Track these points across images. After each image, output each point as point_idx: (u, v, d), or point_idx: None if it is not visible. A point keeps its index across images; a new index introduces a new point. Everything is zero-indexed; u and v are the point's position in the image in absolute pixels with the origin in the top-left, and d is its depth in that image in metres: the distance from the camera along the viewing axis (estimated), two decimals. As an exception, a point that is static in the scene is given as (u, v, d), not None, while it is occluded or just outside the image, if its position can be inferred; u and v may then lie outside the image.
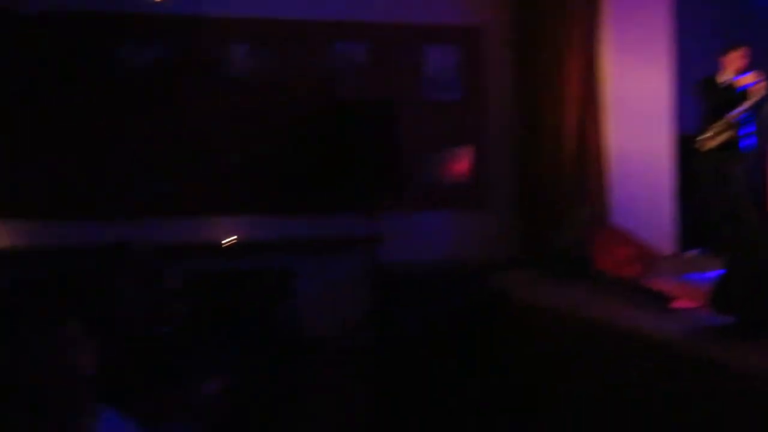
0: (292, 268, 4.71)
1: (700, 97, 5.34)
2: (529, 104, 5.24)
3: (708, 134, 5.22)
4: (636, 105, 5.23)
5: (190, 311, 3.63)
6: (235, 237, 4.78)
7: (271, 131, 4.90)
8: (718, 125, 5.17)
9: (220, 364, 2.98)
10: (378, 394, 4.35)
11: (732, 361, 2.44)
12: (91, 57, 4.63)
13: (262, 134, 4.89)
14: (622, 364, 2.83)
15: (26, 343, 1.96)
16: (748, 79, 5.05)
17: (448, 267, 4.55)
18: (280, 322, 4.23)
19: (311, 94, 4.95)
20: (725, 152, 5.19)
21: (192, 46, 4.78)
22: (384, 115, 4.78)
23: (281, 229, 4.89)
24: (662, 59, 5.34)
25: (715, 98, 5.23)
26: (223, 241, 4.75)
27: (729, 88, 5.17)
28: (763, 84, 4.99)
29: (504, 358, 3.83)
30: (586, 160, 5.02)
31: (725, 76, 5.21)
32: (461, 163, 5.31)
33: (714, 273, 3.08)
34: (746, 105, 5.09)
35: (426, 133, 5.17)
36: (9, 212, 4.50)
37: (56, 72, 4.57)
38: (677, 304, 3.32)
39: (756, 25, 5.99)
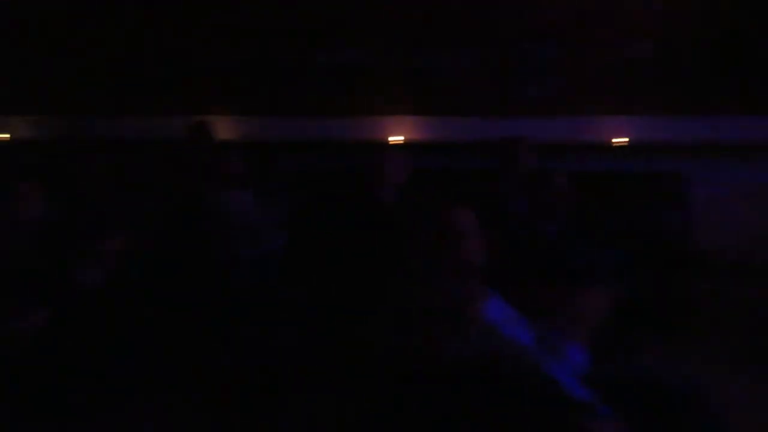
0: (685, 172, 4.42)
1: None
2: None
3: None
4: None
5: (575, 211, 3.66)
6: (625, 137, 4.65)
7: (675, 24, 4.57)
8: None
9: (603, 266, 2.98)
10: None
11: None
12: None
13: (665, 28, 4.59)
14: None
15: (420, 229, 2.19)
16: None
17: None
18: (668, 229, 4.04)
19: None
20: None
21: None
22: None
23: (676, 130, 4.62)
24: None
25: None
26: (611, 141, 4.66)
27: None
28: None
29: None
30: None
31: None
32: None
33: None
34: None
35: None
36: (412, 107, 4.95)
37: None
38: None
39: None
